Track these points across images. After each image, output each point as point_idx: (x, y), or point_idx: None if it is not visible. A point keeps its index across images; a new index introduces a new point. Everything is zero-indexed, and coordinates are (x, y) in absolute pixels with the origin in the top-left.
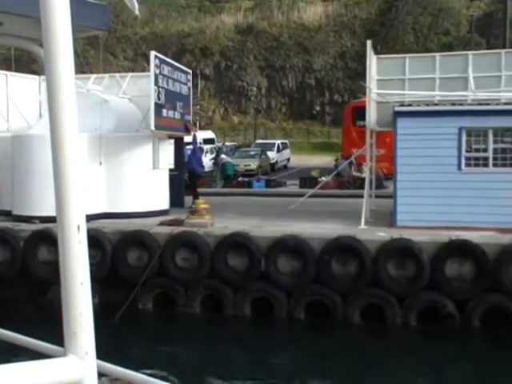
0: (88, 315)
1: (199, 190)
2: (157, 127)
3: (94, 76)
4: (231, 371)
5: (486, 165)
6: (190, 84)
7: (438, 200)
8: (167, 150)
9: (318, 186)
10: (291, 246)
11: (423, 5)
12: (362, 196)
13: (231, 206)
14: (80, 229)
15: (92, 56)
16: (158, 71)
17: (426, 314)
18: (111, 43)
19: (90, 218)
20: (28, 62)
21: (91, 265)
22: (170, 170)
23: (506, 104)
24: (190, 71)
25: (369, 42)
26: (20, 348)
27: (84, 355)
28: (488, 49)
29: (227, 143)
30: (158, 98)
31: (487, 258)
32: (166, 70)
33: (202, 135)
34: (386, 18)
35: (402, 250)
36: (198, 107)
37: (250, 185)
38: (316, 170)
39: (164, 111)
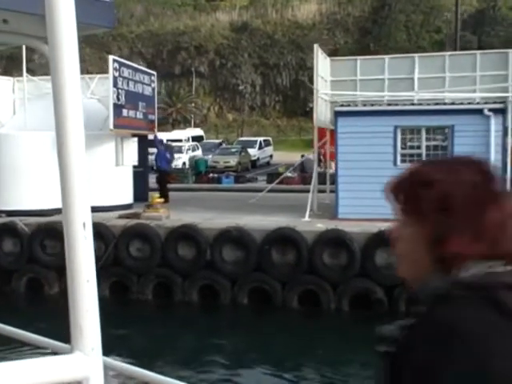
0: (94, 312)
1: (171, 185)
2: (116, 126)
3: None
4: (180, 352)
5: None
6: (154, 85)
7: (376, 194)
8: (131, 148)
9: (276, 181)
10: (235, 236)
11: (415, 2)
12: (323, 191)
13: (196, 200)
14: (86, 225)
15: (88, 54)
16: (117, 74)
17: (358, 299)
18: (107, 41)
19: (56, 211)
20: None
21: (53, 255)
22: (135, 167)
23: (436, 104)
24: (155, 73)
25: (316, 46)
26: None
27: (90, 352)
28: (479, 46)
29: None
30: (118, 99)
31: None
32: (126, 72)
33: (190, 132)
34: (379, 15)
35: (335, 240)
36: (193, 105)
37: (219, 181)
38: (283, 166)
39: (124, 111)
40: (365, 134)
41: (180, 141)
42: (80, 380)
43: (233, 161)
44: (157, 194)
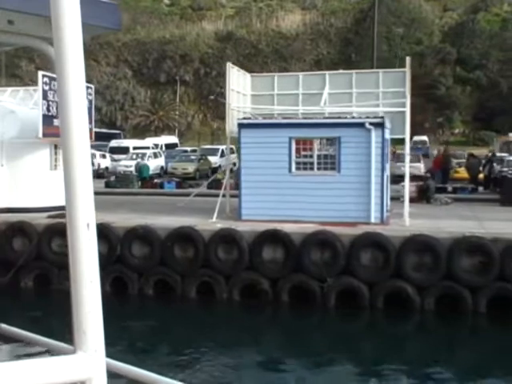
0: (97, 313)
1: (117, 189)
2: (45, 135)
3: (10, 89)
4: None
5: (311, 168)
6: (90, 97)
7: (274, 198)
8: None
9: (201, 187)
10: (140, 234)
11: (397, 15)
12: None
13: (131, 203)
14: (89, 227)
15: None
16: (47, 87)
17: (247, 290)
18: (94, 49)
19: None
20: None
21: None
22: None
23: (325, 118)
24: (92, 86)
25: (228, 64)
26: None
27: (93, 353)
28: (458, 59)
29: (185, 148)
30: (48, 110)
31: (294, 245)
32: None
33: (164, 140)
34: (361, 26)
35: (227, 238)
36: (176, 113)
37: (161, 186)
38: (221, 172)
39: (56, 121)
40: (264, 144)
41: (148, 148)
42: (83, 381)
43: (191, 168)
44: None
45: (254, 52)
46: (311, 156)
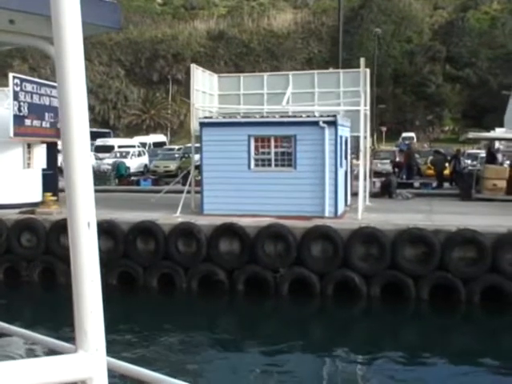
0: (98, 312)
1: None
2: (16, 134)
3: None
4: (58, 324)
5: (269, 165)
6: None
7: (234, 193)
8: (39, 153)
9: (172, 184)
10: (105, 228)
11: (387, 13)
12: None
13: (104, 200)
14: (90, 226)
15: None
16: (18, 89)
17: (204, 280)
18: (86, 48)
19: None
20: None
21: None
22: (44, 170)
23: (281, 117)
24: None
25: (193, 66)
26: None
27: (94, 352)
28: (447, 57)
29: (172, 146)
30: (19, 111)
31: (249, 237)
32: (29, 87)
33: (152, 138)
34: (351, 25)
35: (186, 231)
36: (168, 111)
37: (138, 183)
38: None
39: (27, 121)
40: (224, 141)
41: (133, 146)
42: (84, 380)
43: (172, 165)
44: (49, 193)
45: (246, 51)
46: (269, 153)
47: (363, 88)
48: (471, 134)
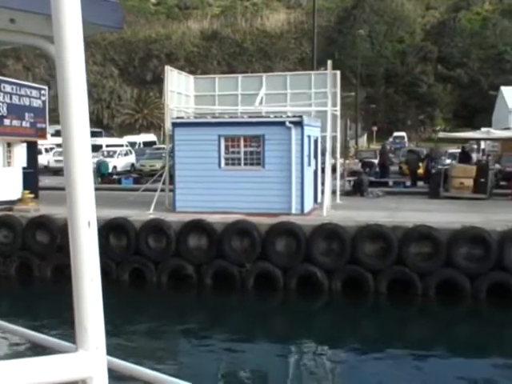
0: (99, 311)
1: None
2: None
3: None
4: (35, 316)
5: (239, 164)
6: (44, 98)
7: (205, 191)
8: (20, 152)
9: (149, 182)
10: None
11: (379, 13)
12: None
13: None
14: (90, 225)
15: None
16: None
17: (174, 274)
18: None
19: None
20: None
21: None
22: (24, 168)
23: (250, 117)
24: (46, 87)
25: (167, 68)
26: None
27: (95, 351)
28: (439, 57)
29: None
30: None
31: (216, 233)
32: (8, 88)
33: (142, 138)
34: (344, 25)
35: (156, 228)
36: (162, 111)
37: (119, 181)
38: None
39: (6, 121)
40: (196, 141)
41: (121, 146)
42: (84, 379)
43: (158, 164)
44: (27, 191)
45: (239, 51)
46: (239, 152)
47: (330, 89)
48: (441, 134)
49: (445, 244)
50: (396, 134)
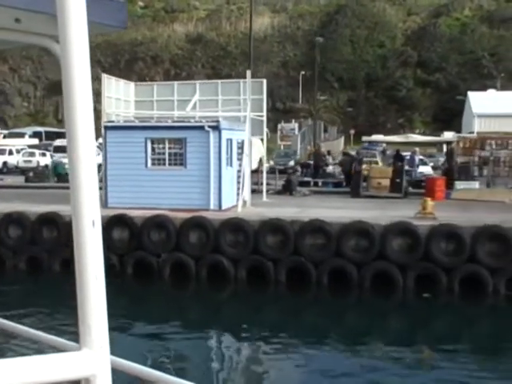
0: (102, 310)
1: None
2: None
3: None
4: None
5: (164, 164)
6: None
7: (134, 188)
8: None
9: None
10: (15, 218)
11: (361, 18)
12: None
13: (35, 195)
14: (95, 223)
15: (47, 62)
16: None
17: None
18: None
19: None
20: None
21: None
22: None
23: (174, 122)
24: None
25: (103, 75)
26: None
27: (98, 349)
28: (418, 61)
29: None
30: None
31: (137, 227)
32: None
33: None
34: (326, 30)
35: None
36: None
37: None
38: None
39: None
40: (125, 143)
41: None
42: (88, 377)
43: None
44: None
45: (223, 54)
46: (164, 153)
47: (249, 97)
48: (364, 138)
49: (335, 236)
50: (365, 138)
